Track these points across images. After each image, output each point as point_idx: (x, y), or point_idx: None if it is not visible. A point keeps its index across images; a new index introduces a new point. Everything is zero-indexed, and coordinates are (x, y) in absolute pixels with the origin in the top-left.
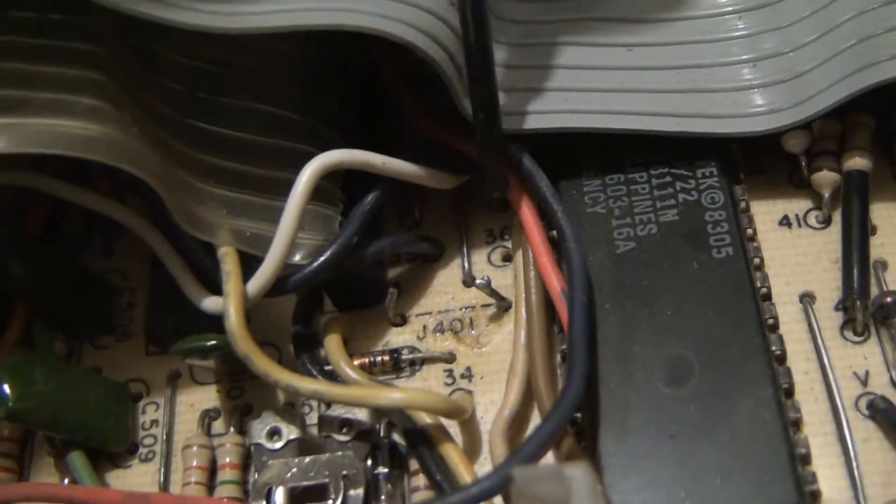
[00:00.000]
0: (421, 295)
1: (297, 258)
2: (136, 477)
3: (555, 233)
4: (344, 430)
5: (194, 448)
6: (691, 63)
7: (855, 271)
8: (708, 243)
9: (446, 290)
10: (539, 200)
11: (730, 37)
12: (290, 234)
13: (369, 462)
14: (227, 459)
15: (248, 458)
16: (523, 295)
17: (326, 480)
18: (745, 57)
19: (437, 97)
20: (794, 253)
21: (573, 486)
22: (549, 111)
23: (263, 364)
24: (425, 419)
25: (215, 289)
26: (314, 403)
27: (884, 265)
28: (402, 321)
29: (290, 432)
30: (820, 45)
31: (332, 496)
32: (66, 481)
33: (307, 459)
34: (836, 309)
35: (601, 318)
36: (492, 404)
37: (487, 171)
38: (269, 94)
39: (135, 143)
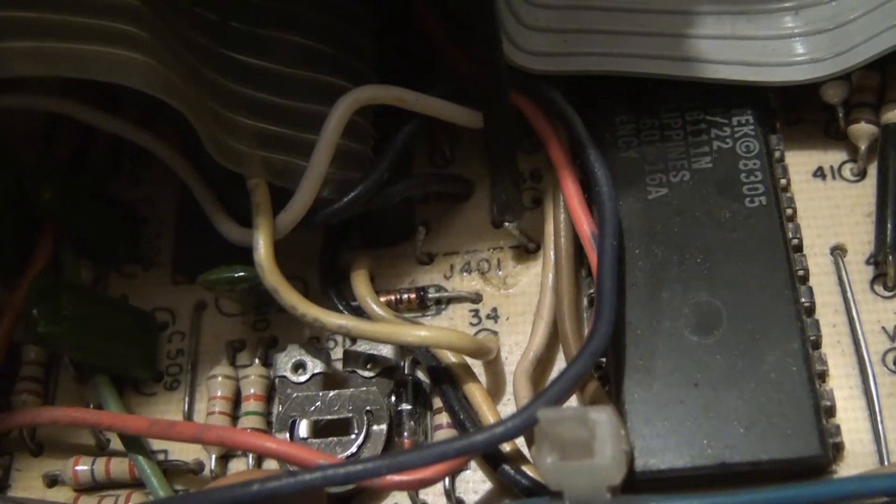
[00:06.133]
0: (449, 234)
1: (325, 193)
2: (161, 405)
3: (586, 176)
4: (368, 366)
5: (219, 378)
6: (732, 9)
7: (888, 225)
8: (741, 192)
9: (475, 230)
10: (571, 143)
11: None
12: (322, 168)
13: (393, 398)
14: (252, 391)
15: (273, 391)
16: (552, 237)
17: (350, 415)
18: (787, 4)
19: (471, 34)
20: (827, 205)
21: (597, 430)
22: (583, 53)
23: (291, 297)
24: (450, 358)
25: (244, 221)
26: (339, 338)
27: None
28: (430, 260)
29: (314, 366)
30: None
31: (356, 431)
32: (91, 407)
33: (331, 394)
34: (868, 263)
35: (630, 264)
36: (517, 346)
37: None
38: (303, 26)
39: (169, 71)
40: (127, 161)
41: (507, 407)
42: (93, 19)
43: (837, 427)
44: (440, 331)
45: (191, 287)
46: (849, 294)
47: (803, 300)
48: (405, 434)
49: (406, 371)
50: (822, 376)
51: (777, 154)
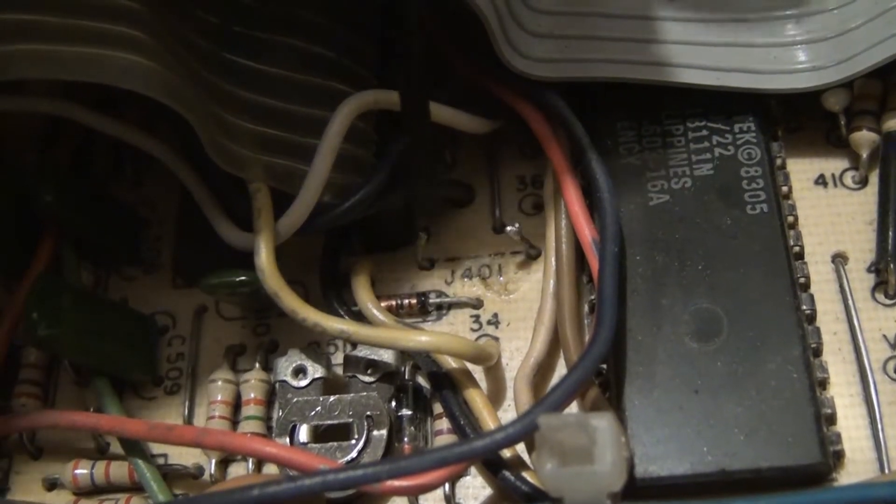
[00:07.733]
0: (450, 239)
1: (326, 197)
2: (161, 409)
3: (587, 182)
4: (369, 371)
5: (219, 383)
6: (734, 16)
7: (890, 233)
8: (742, 199)
9: (476, 235)
10: (573, 149)
11: None
12: (324, 172)
13: (393, 404)
14: (252, 395)
15: (273, 395)
16: (553, 243)
17: (350, 420)
18: (789, 12)
19: (474, 40)
20: (829, 212)
21: (598, 436)
22: (585, 59)
23: (292, 301)
24: (451, 363)
25: (245, 224)
26: (340, 343)
27: None
28: (431, 265)
29: (315, 371)
30: (866, 2)
31: (356, 436)
32: (91, 410)
33: (332, 398)
34: (869, 271)
35: (631, 270)
36: (517, 352)
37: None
38: (305, 30)
39: (171, 74)
40: (128, 163)
41: (508, 413)
42: (94, 22)
43: (838, 435)
44: (441, 336)
45: (191, 291)
46: (850, 302)
47: (804, 308)
48: (405, 439)
49: (406, 376)
50: (823, 384)
51: (779, 161)
